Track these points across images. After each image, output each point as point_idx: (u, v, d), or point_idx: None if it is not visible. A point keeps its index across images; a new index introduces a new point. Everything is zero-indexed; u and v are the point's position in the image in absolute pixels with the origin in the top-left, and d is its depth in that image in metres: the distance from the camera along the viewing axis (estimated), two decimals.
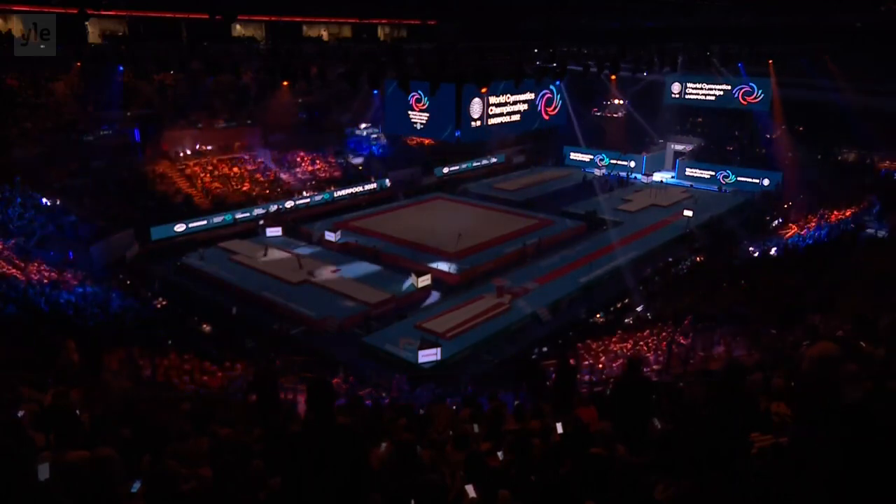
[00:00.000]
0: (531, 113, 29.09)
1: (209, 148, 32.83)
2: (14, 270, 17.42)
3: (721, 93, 39.18)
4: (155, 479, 4.37)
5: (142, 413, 7.40)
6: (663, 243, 27.62)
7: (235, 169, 32.81)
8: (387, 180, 35.80)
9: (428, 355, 17.26)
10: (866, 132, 31.95)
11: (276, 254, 25.26)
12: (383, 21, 43.41)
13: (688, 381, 10.95)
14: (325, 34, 41.31)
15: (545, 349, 18.91)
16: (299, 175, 34.43)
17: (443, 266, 24.34)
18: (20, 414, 6.23)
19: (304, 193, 32.27)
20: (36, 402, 7.21)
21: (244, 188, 31.64)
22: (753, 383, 6.54)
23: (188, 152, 32.16)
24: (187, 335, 17.99)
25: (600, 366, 15.31)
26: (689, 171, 38.65)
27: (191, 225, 27.57)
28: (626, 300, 22.54)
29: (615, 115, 44.64)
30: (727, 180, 36.98)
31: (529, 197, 34.87)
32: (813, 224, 25.56)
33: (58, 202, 24.48)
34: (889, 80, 32.24)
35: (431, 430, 8.23)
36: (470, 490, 4.58)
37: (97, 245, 23.31)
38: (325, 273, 23.67)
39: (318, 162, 35.99)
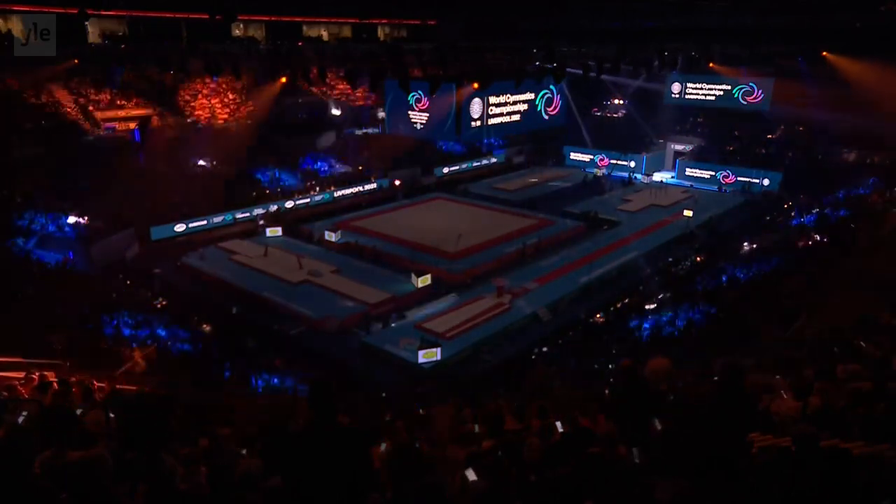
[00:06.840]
0: (531, 113, 29.05)
1: None
2: None
3: (721, 93, 39.09)
4: (155, 479, 4.36)
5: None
6: (663, 243, 27.59)
7: None
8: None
9: (428, 355, 17.26)
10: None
11: (276, 254, 25.23)
12: (383, 21, 43.39)
13: (687, 381, 10.91)
14: (325, 34, 41.29)
15: (545, 349, 18.91)
16: None
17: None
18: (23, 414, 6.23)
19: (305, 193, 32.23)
20: (36, 402, 7.20)
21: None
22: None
23: None
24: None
25: None
26: (689, 171, 38.62)
27: (191, 225, 27.55)
28: (627, 300, 22.51)
29: (615, 115, 44.59)
30: (728, 180, 36.94)
31: (529, 197, 34.81)
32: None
33: (58, 202, 24.43)
34: None
35: (431, 429, 8.23)
36: (470, 474, 4.59)
37: (97, 245, 23.27)
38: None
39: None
